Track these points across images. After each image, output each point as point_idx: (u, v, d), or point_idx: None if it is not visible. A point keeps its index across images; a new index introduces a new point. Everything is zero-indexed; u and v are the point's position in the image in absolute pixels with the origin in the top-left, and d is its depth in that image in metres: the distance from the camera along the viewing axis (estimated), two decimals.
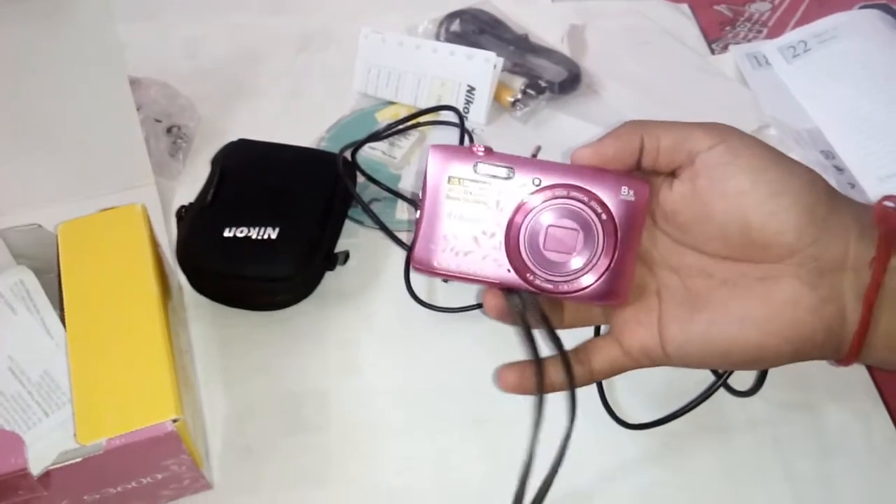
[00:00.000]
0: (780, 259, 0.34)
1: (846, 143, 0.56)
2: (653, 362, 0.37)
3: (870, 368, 0.47)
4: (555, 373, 0.37)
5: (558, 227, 0.36)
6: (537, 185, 0.36)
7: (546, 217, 0.36)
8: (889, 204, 0.35)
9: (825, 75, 0.60)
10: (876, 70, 0.58)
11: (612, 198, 0.36)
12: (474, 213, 0.36)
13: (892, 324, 0.33)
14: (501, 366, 0.38)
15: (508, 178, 0.36)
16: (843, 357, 0.35)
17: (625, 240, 0.36)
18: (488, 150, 0.36)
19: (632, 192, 0.36)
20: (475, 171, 0.36)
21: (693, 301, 0.36)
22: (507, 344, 0.48)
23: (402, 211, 0.56)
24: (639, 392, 0.46)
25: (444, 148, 0.36)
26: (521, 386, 0.38)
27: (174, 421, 0.37)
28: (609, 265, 0.36)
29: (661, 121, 0.36)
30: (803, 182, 0.34)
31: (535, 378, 0.36)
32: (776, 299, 0.34)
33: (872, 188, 0.53)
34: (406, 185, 0.57)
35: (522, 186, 0.36)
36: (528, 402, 0.45)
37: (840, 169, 0.55)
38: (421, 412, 0.46)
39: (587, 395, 0.45)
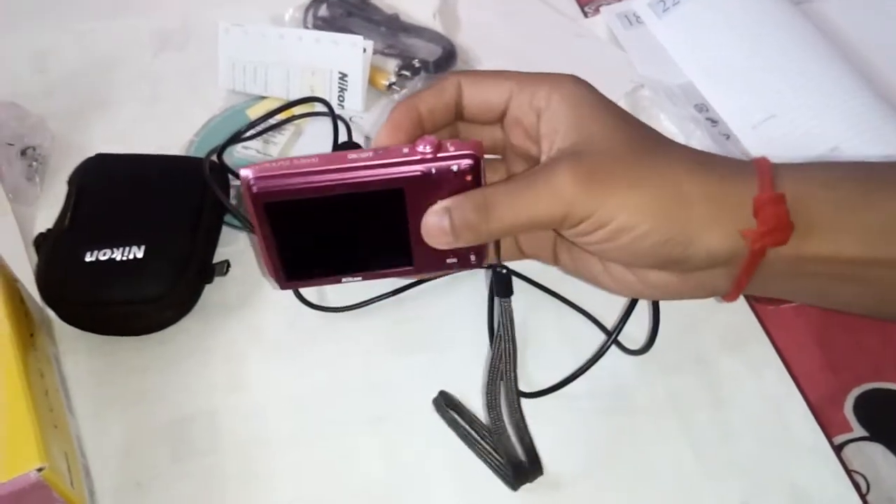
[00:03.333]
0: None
1: (718, 94, 0.56)
2: (541, 262, 0.41)
3: (760, 318, 0.48)
4: None
5: None
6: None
7: None
8: (770, 194, 0.33)
9: (695, 27, 0.60)
10: (742, 17, 0.59)
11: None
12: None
13: (766, 287, 0.35)
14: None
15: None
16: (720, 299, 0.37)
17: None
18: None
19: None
20: None
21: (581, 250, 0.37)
22: (398, 337, 0.47)
23: None
24: (533, 359, 0.46)
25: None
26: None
27: (39, 470, 0.35)
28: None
29: None
30: (649, 232, 0.33)
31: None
32: (650, 281, 0.36)
33: (746, 137, 0.54)
34: None
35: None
36: (423, 393, 0.45)
37: (714, 121, 0.55)
38: (317, 418, 0.44)
39: (481, 363, 0.46)
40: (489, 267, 0.37)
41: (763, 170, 0.33)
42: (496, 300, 0.36)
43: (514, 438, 0.40)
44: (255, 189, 0.33)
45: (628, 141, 0.34)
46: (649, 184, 0.33)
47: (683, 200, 0.33)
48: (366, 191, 0.33)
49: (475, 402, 0.44)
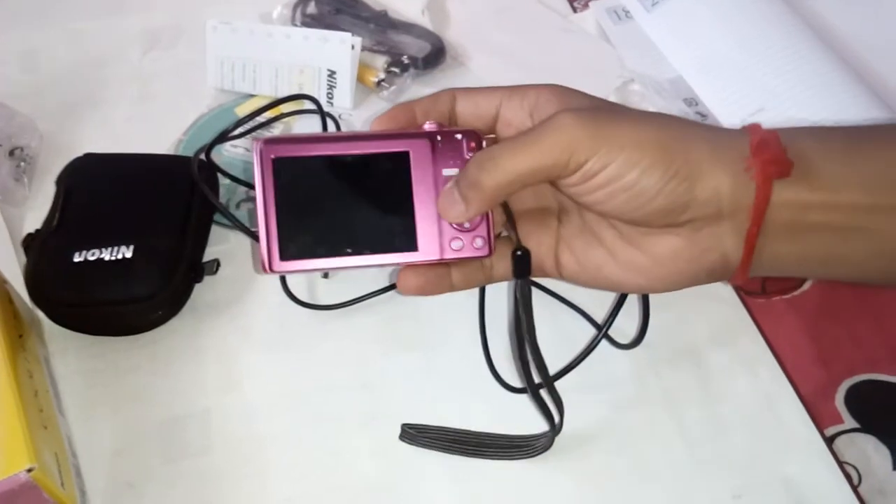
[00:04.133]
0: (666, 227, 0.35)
1: (707, 87, 0.56)
2: (546, 276, 0.40)
3: (750, 311, 0.48)
4: (456, 274, 0.39)
5: None
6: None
7: None
8: (763, 134, 0.34)
9: (684, 21, 0.60)
10: (731, 10, 0.59)
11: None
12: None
13: (775, 250, 0.35)
14: (401, 270, 0.38)
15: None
16: (729, 280, 0.37)
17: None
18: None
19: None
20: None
21: (588, 235, 0.38)
22: (390, 335, 0.47)
23: None
24: None
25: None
26: (423, 288, 0.39)
27: (29, 470, 0.34)
28: None
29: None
30: (654, 164, 0.33)
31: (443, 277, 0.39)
32: (658, 252, 0.36)
33: None
34: None
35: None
36: (416, 391, 0.45)
37: (703, 115, 0.55)
38: (308, 416, 0.44)
39: (472, 360, 0.46)
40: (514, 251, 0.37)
41: (754, 125, 0.35)
42: (515, 281, 0.37)
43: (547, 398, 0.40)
44: (263, 145, 0.36)
45: (622, 105, 0.36)
46: (651, 125, 0.34)
47: (684, 139, 0.34)
48: (372, 152, 0.36)
49: (468, 398, 0.44)
